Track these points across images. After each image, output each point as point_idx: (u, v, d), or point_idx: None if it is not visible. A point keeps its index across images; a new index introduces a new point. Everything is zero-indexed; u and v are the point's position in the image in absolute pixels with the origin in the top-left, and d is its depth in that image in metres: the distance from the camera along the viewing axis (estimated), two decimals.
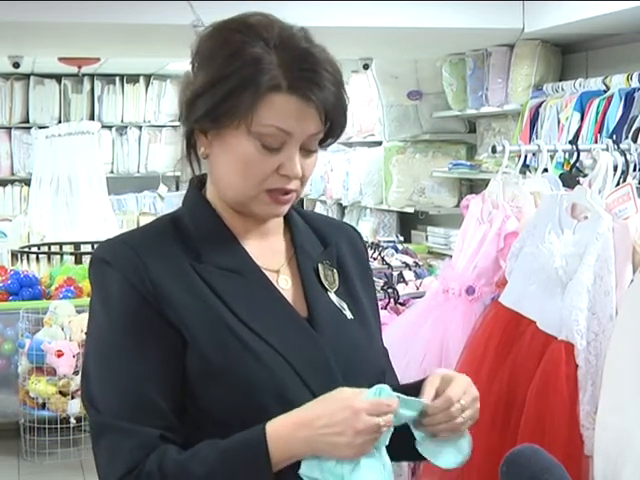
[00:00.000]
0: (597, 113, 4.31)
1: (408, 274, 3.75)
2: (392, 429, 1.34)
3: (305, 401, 1.35)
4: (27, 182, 8.69)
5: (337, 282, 1.52)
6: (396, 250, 4.07)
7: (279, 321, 1.42)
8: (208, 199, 1.48)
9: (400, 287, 3.50)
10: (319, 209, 7.93)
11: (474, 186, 6.19)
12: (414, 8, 4.83)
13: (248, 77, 1.35)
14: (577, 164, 2.68)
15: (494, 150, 2.82)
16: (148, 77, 9.36)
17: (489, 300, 2.62)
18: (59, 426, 5.19)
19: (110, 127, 9.36)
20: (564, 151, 2.80)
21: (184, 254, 1.42)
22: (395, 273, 3.66)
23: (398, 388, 1.41)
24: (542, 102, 4.90)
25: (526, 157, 2.78)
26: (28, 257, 6.73)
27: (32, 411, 5.22)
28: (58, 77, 9.08)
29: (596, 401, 2.13)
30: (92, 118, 9.16)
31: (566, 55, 5.33)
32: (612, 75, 4.37)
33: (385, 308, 3.25)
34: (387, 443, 1.33)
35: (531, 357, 2.30)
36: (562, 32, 4.84)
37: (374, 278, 1.74)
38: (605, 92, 4.37)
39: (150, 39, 5.36)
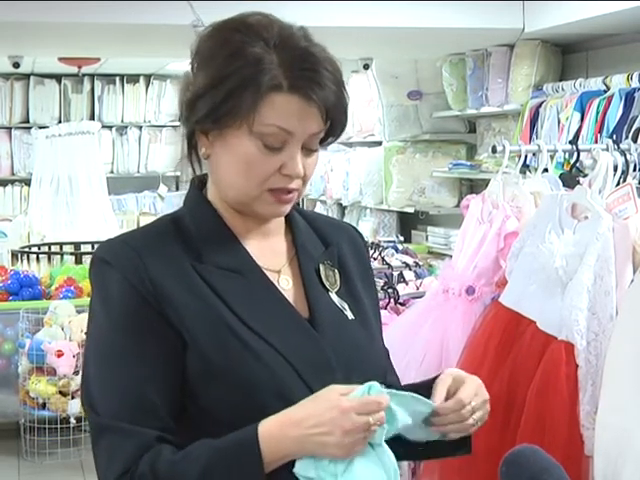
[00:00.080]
0: (597, 113, 4.31)
1: (408, 274, 3.75)
2: (396, 426, 1.34)
3: None
4: (27, 182, 8.68)
5: (338, 282, 1.52)
6: (396, 250, 4.06)
7: (280, 321, 1.42)
8: (209, 199, 1.48)
9: (400, 287, 3.50)
10: (319, 209, 7.92)
11: (474, 186, 6.19)
12: (414, 8, 4.83)
13: (249, 77, 1.35)
14: (577, 164, 2.68)
15: (494, 150, 2.82)
16: (148, 77, 9.35)
17: (489, 300, 2.62)
18: (59, 426, 5.18)
19: (110, 127, 9.35)
20: (564, 151, 2.80)
21: (185, 254, 1.42)
22: (395, 273, 3.66)
23: (409, 387, 1.41)
24: (542, 102, 4.90)
25: (526, 157, 2.78)
26: (28, 257, 6.72)
27: (32, 411, 5.21)
28: (58, 77, 9.07)
29: (596, 401, 2.13)
30: (92, 118, 9.15)
31: (566, 55, 5.32)
32: (612, 75, 4.37)
33: (385, 308, 3.25)
34: (384, 439, 1.32)
35: (531, 357, 2.30)
36: (562, 32, 4.84)
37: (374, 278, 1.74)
38: (605, 92, 4.36)
39: (150, 39, 5.36)
